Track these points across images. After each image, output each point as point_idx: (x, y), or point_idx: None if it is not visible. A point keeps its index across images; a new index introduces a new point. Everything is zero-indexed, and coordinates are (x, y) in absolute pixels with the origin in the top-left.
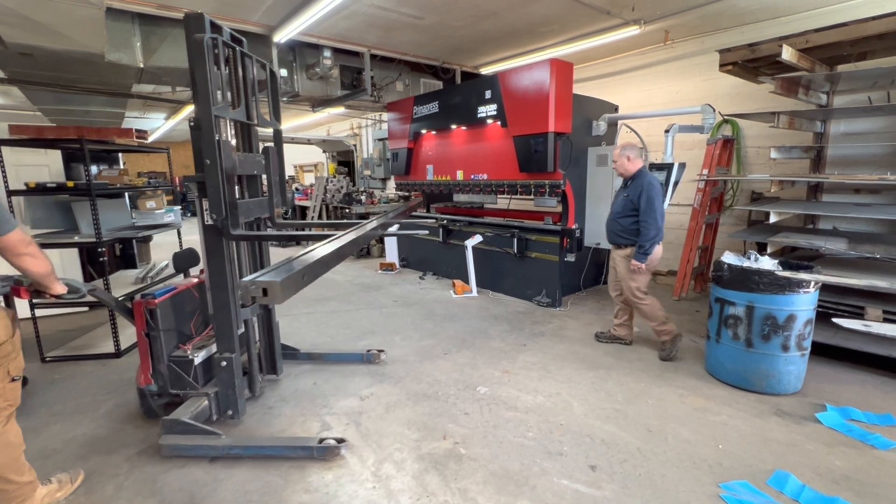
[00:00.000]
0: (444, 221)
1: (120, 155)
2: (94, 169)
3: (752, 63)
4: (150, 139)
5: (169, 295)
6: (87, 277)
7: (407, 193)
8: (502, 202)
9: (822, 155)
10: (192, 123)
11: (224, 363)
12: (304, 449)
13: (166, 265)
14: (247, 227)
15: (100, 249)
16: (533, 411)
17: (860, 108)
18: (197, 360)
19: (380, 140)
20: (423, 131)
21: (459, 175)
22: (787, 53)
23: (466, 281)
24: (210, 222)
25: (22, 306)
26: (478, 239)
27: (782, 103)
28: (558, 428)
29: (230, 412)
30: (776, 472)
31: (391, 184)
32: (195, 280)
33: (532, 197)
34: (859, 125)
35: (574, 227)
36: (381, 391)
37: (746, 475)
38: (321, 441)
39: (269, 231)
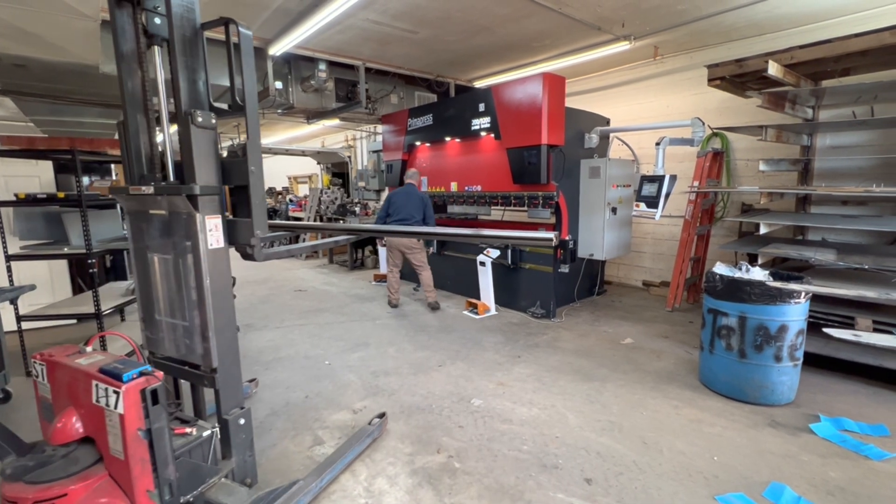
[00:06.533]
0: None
1: (113, 166)
2: (85, 180)
3: (739, 78)
4: None
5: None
6: (77, 289)
7: None
8: (496, 213)
9: (809, 167)
10: (198, 118)
11: (242, 421)
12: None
13: None
14: None
15: (89, 261)
16: (528, 424)
17: (845, 122)
18: (217, 433)
19: (374, 152)
20: (418, 143)
21: (454, 186)
22: (774, 69)
23: (471, 297)
24: (218, 245)
25: (8, 318)
26: (495, 253)
27: (770, 117)
28: (553, 440)
29: (248, 480)
30: (771, 483)
31: (385, 195)
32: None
33: (526, 208)
34: (845, 139)
35: (568, 238)
36: (375, 404)
37: (742, 487)
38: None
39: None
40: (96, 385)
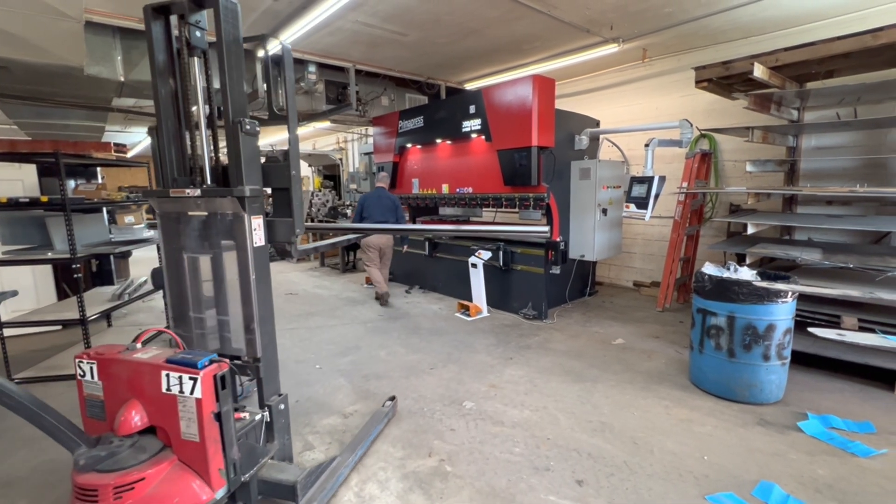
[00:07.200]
0: (430, 235)
1: (98, 169)
2: (70, 183)
3: (726, 80)
4: (132, 153)
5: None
6: (61, 295)
7: None
8: (487, 215)
9: (795, 168)
10: (246, 126)
11: (282, 406)
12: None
13: (145, 281)
14: None
15: (74, 266)
16: (519, 426)
17: (829, 123)
18: (267, 417)
19: (366, 154)
20: (409, 145)
21: (445, 188)
22: (759, 71)
23: (463, 299)
24: (260, 243)
25: None
26: (487, 255)
27: (756, 119)
28: (545, 442)
29: (286, 461)
30: (760, 482)
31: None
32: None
33: (517, 210)
34: (829, 140)
35: (559, 239)
36: (365, 408)
37: (732, 486)
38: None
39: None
40: (167, 375)
